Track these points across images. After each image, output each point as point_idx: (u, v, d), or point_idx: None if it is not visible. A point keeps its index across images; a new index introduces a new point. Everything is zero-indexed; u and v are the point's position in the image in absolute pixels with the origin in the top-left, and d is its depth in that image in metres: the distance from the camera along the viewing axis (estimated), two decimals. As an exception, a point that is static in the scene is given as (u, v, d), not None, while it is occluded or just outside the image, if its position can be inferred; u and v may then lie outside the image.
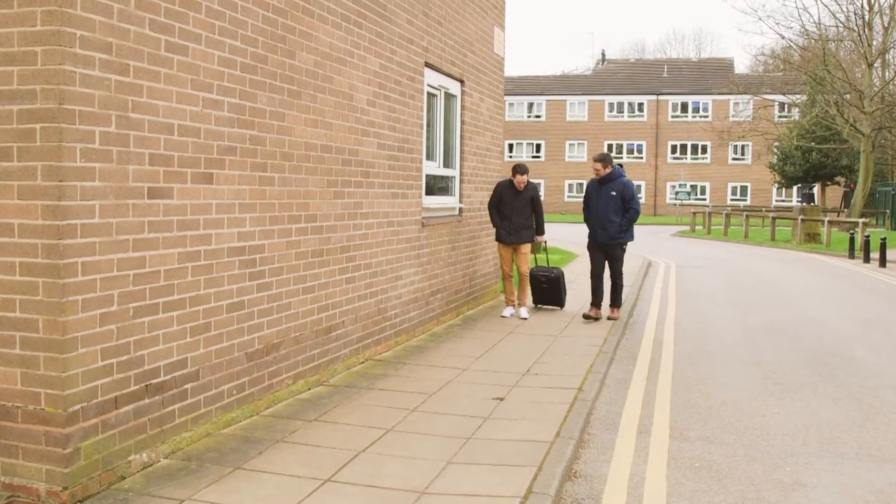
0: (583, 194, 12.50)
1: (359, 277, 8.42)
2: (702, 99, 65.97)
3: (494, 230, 12.40)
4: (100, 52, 4.89)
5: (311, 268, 7.44)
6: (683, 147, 66.25)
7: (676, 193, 56.34)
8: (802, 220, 32.66)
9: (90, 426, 4.95)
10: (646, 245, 30.60)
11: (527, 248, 12.03)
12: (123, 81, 5.08)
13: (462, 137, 11.98)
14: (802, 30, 43.38)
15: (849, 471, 5.99)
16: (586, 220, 12.23)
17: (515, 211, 11.86)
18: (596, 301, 12.15)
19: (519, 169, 11.95)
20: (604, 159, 12.05)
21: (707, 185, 65.25)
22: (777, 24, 71.32)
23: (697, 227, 42.83)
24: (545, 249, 13.27)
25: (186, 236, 5.72)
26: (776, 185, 56.74)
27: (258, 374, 6.69)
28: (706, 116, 64.52)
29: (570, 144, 67.80)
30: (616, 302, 12.24)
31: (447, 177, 11.67)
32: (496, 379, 8.08)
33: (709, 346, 10.71)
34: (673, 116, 66.53)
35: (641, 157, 66.75)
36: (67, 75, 4.67)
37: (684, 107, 66.56)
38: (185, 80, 5.65)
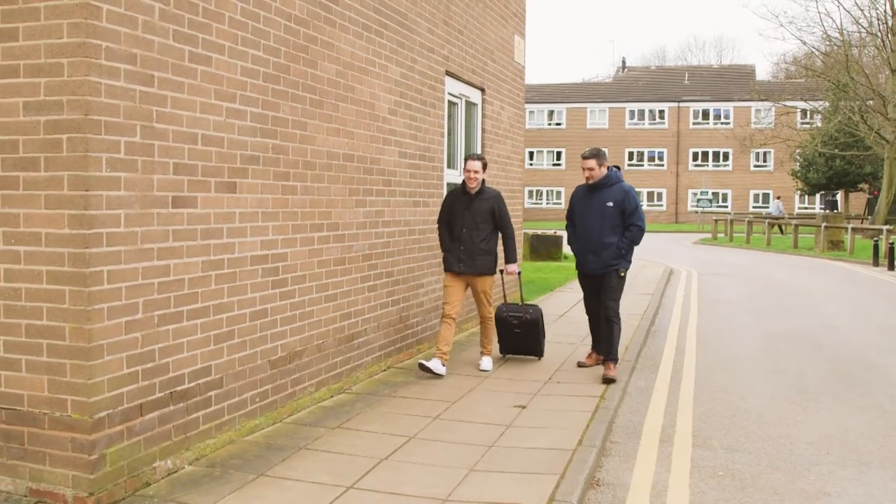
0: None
1: (381, 285, 8.45)
2: (723, 106, 65.69)
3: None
4: (125, 63, 4.95)
5: (334, 276, 7.48)
6: (705, 154, 65.97)
7: (698, 201, 56.07)
8: (826, 227, 32.44)
9: (115, 433, 5.00)
10: (667, 253, 30.52)
11: (486, 283, 8.68)
12: (148, 92, 5.14)
13: (483, 146, 12.00)
14: (824, 35, 43.00)
15: (873, 480, 5.95)
16: (570, 242, 9.16)
17: (469, 227, 8.50)
18: (596, 345, 9.23)
19: (472, 156, 8.77)
20: (597, 155, 8.81)
21: (729, 192, 64.93)
22: (799, 30, 70.48)
23: (719, 235, 42.59)
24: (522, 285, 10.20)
25: (210, 245, 5.77)
26: (799, 193, 56.38)
27: (281, 382, 6.72)
28: (728, 123, 64.18)
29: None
30: (611, 353, 8.62)
31: (468, 185, 11.65)
32: (518, 387, 8.08)
33: (731, 354, 10.66)
34: (694, 123, 66.27)
35: (662, 165, 66.53)
36: (93, 86, 4.73)
37: (706, 114, 66.29)
38: (208, 90, 5.70)
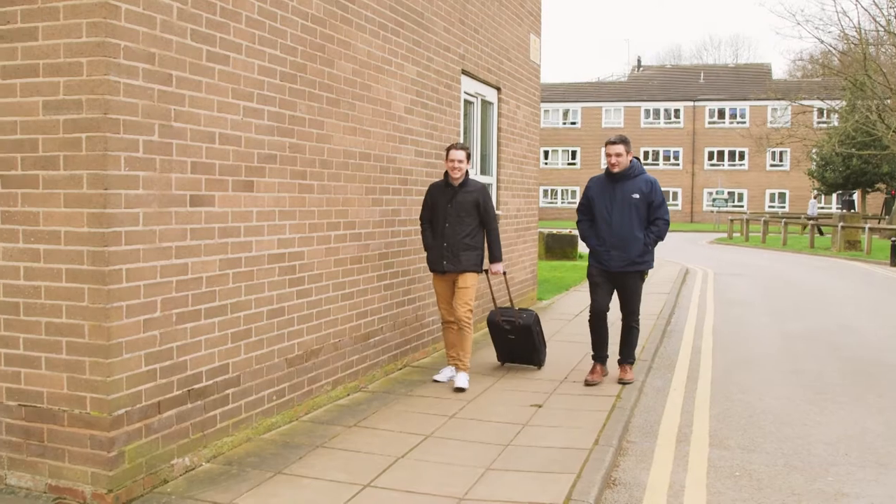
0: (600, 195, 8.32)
1: (397, 284, 8.46)
2: (739, 105, 65.44)
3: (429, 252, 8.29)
4: (143, 63, 4.97)
5: (350, 274, 7.50)
6: (721, 153, 65.75)
7: (714, 200, 55.92)
8: (842, 227, 32.29)
9: (134, 430, 5.02)
10: (683, 252, 30.46)
11: (469, 280, 8.03)
12: (166, 91, 5.16)
13: (499, 144, 12.00)
14: (842, 34, 42.73)
15: (891, 481, 5.92)
16: (586, 238, 8.40)
17: (452, 222, 7.98)
18: (599, 355, 8.45)
19: (456, 145, 8.09)
20: (625, 141, 8.24)
21: (745, 191, 64.70)
22: (816, 28, 70.29)
23: (735, 235, 42.48)
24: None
25: (227, 243, 5.79)
26: (815, 192, 56.11)
27: (298, 380, 6.74)
28: (743, 122, 63.94)
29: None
30: (628, 356, 8.41)
31: (485, 183, 11.65)
32: (533, 386, 8.08)
33: (748, 354, 10.62)
34: (710, 123, 66.06)
35: (678, 164, 66.35)
36: (112, 85, 4.75)
37: (721, 113, 66.07)
38: (226, 89, 5.72)
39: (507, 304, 9.42)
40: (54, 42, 4.80)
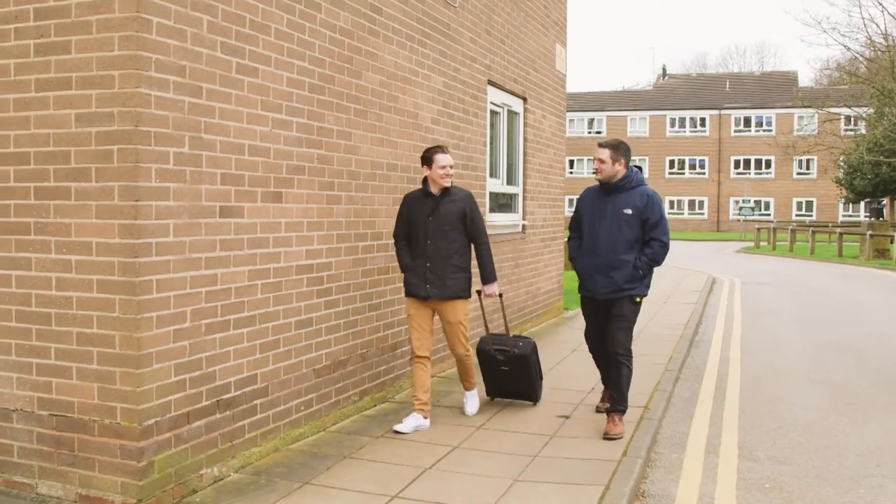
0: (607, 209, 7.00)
1: (423, 294, 8.45)
2: (765, 113, 65.07)
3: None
4: (174, 76, 5.01)
5: (377, 285, 7.51)
6: (747, 162, 65.36)
7: (740, 209, 55.55)
8: (871, 235, 32.01)
9: (163, 440, 5.05)
10: (709, 261, 30.31)
11: (459, 311, 6.93)
12: (196, 103, 5.20)
13: (525, 155, 12.00)
14: (868, 41, 42.50)
15: (925, 493, 5.85)
16: (573, 257, 7.22)
17: (434, 238, 6.83)
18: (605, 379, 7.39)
19: (443, 148, 6.94)
20: (615, 147, 6.99)
21: (771, 200, 64.27)
22: (842, 35, 69.70)
23: (762, 244, 42.20)
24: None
25: (256, 254, 5.82)
26: (843, 200, 55.67)
27: (325, 391, 6.76)
28: (770, 131, 63.54)
29: (631, 160, 67.14)
30: (619, 402, 6.89)
31: (510, 194, 11.68)
32: (561, 397, 8.05)
33: (776, 364, 10.54)
34: (736, 131, 65.71)
35: (704, 173, 66.03)
36: (143, 98, 4.80)
37: (747, 121, 65.72)
38: (255, 101, 5.76)
39: (502, 331, 8.25)
40: (87, 55, 4.85)
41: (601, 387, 7.63)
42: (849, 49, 45.19)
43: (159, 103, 4.91)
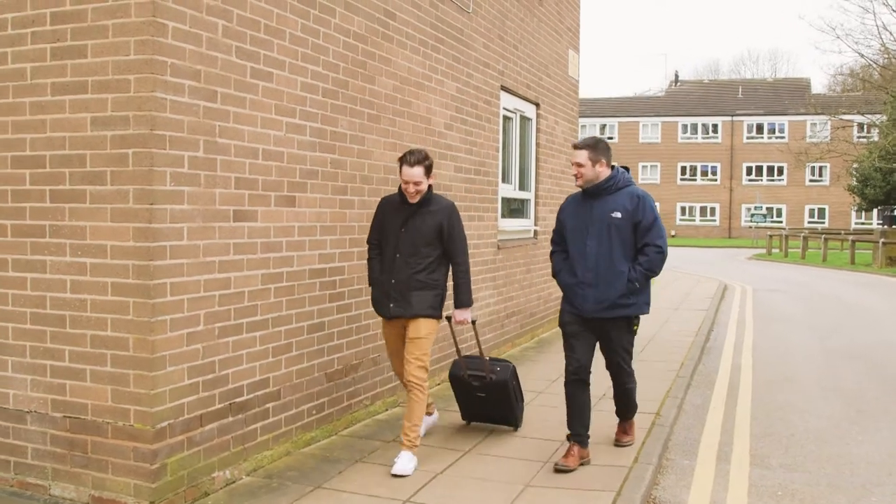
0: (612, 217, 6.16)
1: (435, 299, 8.46)
2: (777, 120, 64.88)
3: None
4: (189, 80, 5.04)
5: (389, 289, 7.51)
6: (759, 169, 65.18)
7: (752, 216, 55.43)
8: (883, 243, 31.88)
9: (176, 443, 5.07)
10: (721, 268, 30.23)
11: (422, 328, 6.09)
12: (211, 107, 5.23)
13: (537, 160, 12.00)
14: (882, 48, 42.36)
15: (938, 502, 5.83)
16: (557, 272, 6.38)
17: (405, 251, 6.12)
18: (576, 432, 6.21)
19: (409, 158, 6.05)
20: (592, 146, 6.20)
21: (783, 207, 64.08)
22: (856, 42, 69.60)
23: (774, 251, 42.07)
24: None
25: (270, 258, 5.83)
26: (855, 208, 55.46)
27: (337, 395, 6.77)
28: (782, 137, 63.36)
29: (643, 167, 67.19)
30: (627, 411, 6.70)
31: (522, 199, 11.68)
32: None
33: (788, 371, 10.50)
34: (748, 138, 65.55)
35: (716, 180, 65.89)
36: (159, 102, 4.82)
37: (759, 128, 65.55)
38: (269, 105, 5.78)
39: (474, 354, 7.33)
40: (103, 59, 4.88)
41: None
42: (862, 56, 45.07)
43: (174, 107, 4.93)
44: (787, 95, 66.21)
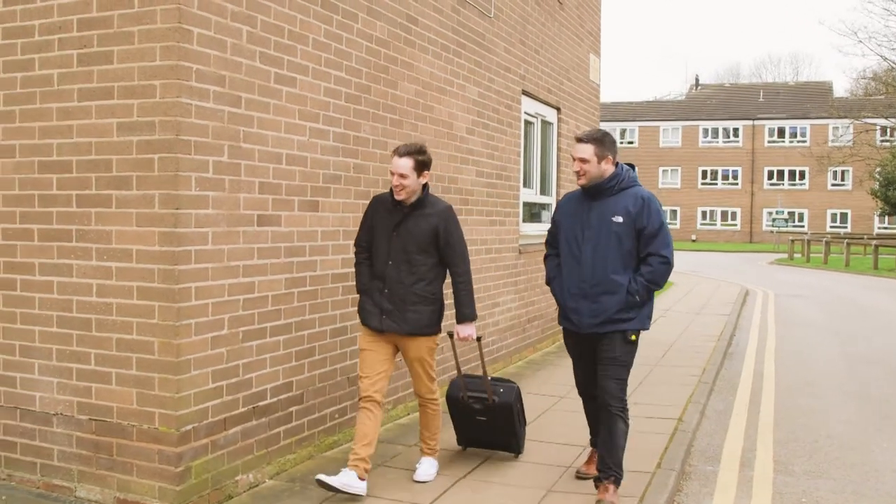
0: (630, 221, 5.42)
1: (457, 304, 8.46)
2: (799, 123, 64.47)
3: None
4: (214, 85, 5.07)
5: (411, 294, 7.52)
6: (780, 173, 64.78)
7: (773, 220, 55.09)
8: (907, 248, 31.62)
9: (200, 446, 5.10)
10: (742, 273, 30.08)
11: (422, 347, 5.64)
12: (236, 113, 5.26)
13: (558, 165, 11.99)
14: (906, 52, 42.19)
15: (965, 509, 5.78)
16: (551, 280, 5.74)
17: (397, 259, 5.55)
18: (597, 439, 5.78)
19: (400, 149, 5.55)
20: (599, 140, 5.44)
21: (805, 211, 63.65)
22: (879, 45, 69.15)
23: (796, 255, 41.80)
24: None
25: (293, 262, 5.86)
26: (878, 212, 55.07)
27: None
28: (804, 141, 62.97)
29: (664, 171, 66.95)
30: (608, 467, 5.41)
31: (544, 204, 11.68)
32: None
33: (811, 377, 10.44)
34: (769, 142, 65.17)
35: (737, 184, 65.54)
36: (184, 107, 4.86)
37: (781, 132, 65.16)
38: (292, 110, 5.81)
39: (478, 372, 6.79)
40: (129, 65, 4.92)
41: (634, 398, 7.52)
42: (885, 59, 44.81)
43: (199, 113, 4.97)
44: (809, 99, 65.83)
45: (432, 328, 5.62)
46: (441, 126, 7.99)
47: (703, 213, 65.80)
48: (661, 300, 18.42)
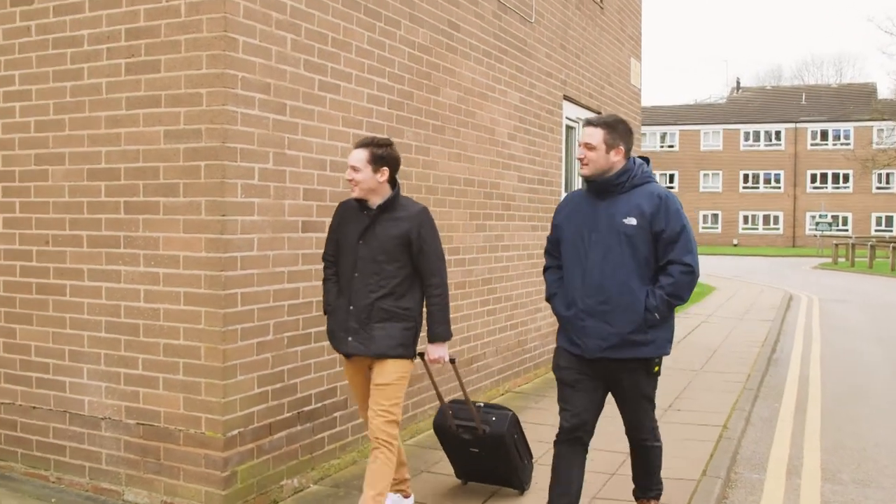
0: (633, 222, 4.54)
1: (500, 310, 8.47)
2: (842, 126, 63.64)
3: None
4: (259, 93, 5.12)
5: (454, 300, 7.51)
6: (824, 176, 63.99)
7: (817, 224, 54.47)
8: (955, 252, 31.09)
9: (246, 451, 5.14)
10: (785, 278, 29.72)
11: (389, 372, 4.76)
12: (280, 120, 5.31)
13: (599, 169, 11.91)
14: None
15: None
16: (551, 297, 4.86)
17: (363, 269, 4.75)
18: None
19: (358, 139, 4.92)
20: (611, 126, 4.62)
21: (849, 215, 62.80)
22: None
23: (840, 260, 41.25)
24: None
25: (337, 268, 5.88)
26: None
27: (402, 405, 6.77)
28: (847, 144, 62.16)
29: (705, 175, 66.41)
30: (650, 486, 5.08)
31: (584, 209, 11.61)
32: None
33: (857, 383, 10.30)
34: (812, 145, 64.41)
35: (779, 187, 64.85)
36: (230, 115, 4.91)
37: (824, 134, 64.37)
38: (336, 117, 5.85)
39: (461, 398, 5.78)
40: (176, 74, 4.98)
41: (678, 404, 7.38)
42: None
43: (245, 120, 5.02)
44: (852, 101, 64.94)
45: (406, 350, 4.79)
46: (483, 132, 7.99)
47: (745, 218, 65.14)
48: (704, 305, 18.27)
